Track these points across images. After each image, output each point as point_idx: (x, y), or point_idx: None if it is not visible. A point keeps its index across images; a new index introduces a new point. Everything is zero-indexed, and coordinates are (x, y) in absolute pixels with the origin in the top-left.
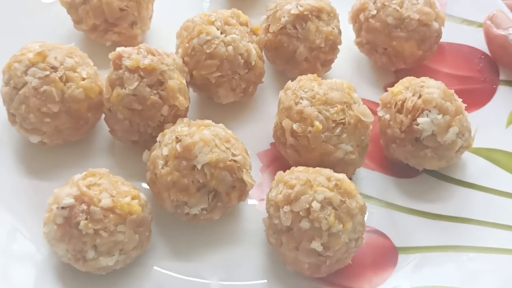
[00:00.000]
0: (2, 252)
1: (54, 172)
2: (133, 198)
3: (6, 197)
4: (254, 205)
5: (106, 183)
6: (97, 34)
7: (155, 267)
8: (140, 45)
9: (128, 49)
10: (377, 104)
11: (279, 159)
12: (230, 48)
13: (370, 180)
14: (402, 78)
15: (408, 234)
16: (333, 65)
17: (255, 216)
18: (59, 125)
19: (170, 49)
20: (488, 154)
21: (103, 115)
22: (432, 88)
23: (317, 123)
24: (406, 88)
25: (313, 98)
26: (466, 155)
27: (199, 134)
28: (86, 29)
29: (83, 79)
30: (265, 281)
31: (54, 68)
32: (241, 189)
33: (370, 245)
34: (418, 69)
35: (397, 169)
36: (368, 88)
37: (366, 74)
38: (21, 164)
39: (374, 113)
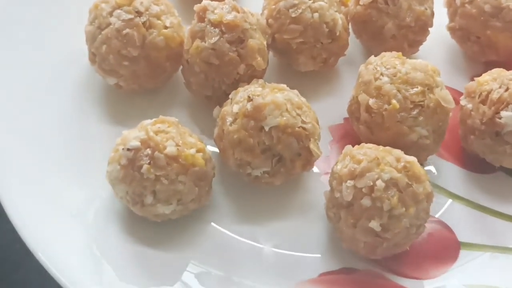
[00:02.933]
0: (68, 185)
1: (126, 117)
2: (198, 151)
3: (77, 138)
4: (319, 177)
5: (174, 132)
6: None
7: (211, 223)
8: (226, 0)
9: (214, 3)
10: (461, 93)
11: (350, 135)
12: (316, 15)
13: (442, 170)
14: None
15: (474, 230)
16: (420, 47)
17: (318, 188)
18: (137, 70)
19: (256, 7)
20: None
21: (181, 67)
22: None
23: (394, 101)
24: (494, 79)
25: (394, 76)
26: None
27: (271, 96)
28: None
29: (166, 27)
30: (319, 255)
31: (139, 13)
32: (307, 158)
33: (432, 235)
34: (510, 63)
35: (472, 163)
36: (454, 76)
37: (454, 62)
38: (96, 107)
39: (457, 102)
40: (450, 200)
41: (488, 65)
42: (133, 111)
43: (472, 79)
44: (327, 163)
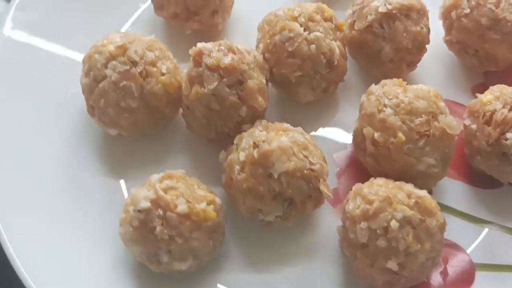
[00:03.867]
0: (79, 241)
1: (130, 165)
2: (208, 203)
3: (82, 188)
4: (329, 209)
5: (183, 187)
6: (177, 22)
7: (226, 271)
8: (221, 41)
9: (209, 45)
10: (461, 106)
11: (356, 163)
12: (312, 46)
13: (450, 189)
14: (491, 79)
15: (488, 250)
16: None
17: (329, 221)
18: (137, 119)
19: (250, 38)
20: None
21: (181, 109)
22: None
23: (400, 134)
24: (497, 98)
25: (397, 107)
26: None
27: (276, 141)
28: (167, 16)
29: (163, 74)
30: None
31: (134, 63)
32: (317, 198)
33: (446, 259)
34: (510, 72)
35: (480, 179)
36: (454, 89)
37: (452, 73)
38: (98, 156)
39: (459, 116)
40: (461, 220)
41: (488, 75)
42: (134, 157)
43: (473, 91)
44: (336, 194)
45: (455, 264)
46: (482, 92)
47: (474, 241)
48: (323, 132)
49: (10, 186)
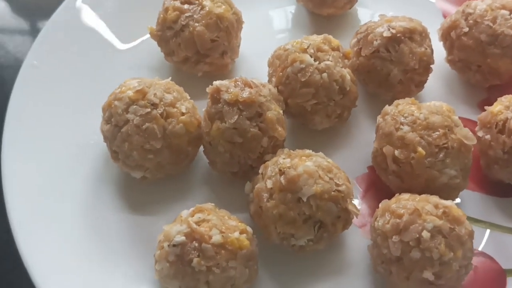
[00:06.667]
0: (109, 282)
1: (155, 206)
2: (241, 233)
3: (111, 233)
4: (356, 231)
5: (215, 219)
6: (188, 66)
7: None
8: (237, 78)
9: (225, 82)
10: (471, 122)
11: (377, 183)
12: (324, 75)
13: (471, 201)
14: (495, 93)
15: None
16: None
17: (357, 243)
18: (162, 160)
19: (258, 74)
20: None
21: (202, 148)
22: None
23: (420, 149)
24: (507, 108)
25: (414, 123)
26: None
27: (302, 166)
28: (178, 61)
29: (183, 114)
30: None
31: (154, 105)
32: (346, 219)
33: (477, 269)
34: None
35: (498, 188)
36: (461, 105)
37: (457, 91)
38: (123, 200)
39: (472, 131)
40: (485, 230)
41: (491, 89)
42: (161, 198)
43: (480, 106)
44: (361, 216)
45: (486, 272)
46: (488, 106)
47: (500, 248)
48: (341, 157)
49: (38, 231)
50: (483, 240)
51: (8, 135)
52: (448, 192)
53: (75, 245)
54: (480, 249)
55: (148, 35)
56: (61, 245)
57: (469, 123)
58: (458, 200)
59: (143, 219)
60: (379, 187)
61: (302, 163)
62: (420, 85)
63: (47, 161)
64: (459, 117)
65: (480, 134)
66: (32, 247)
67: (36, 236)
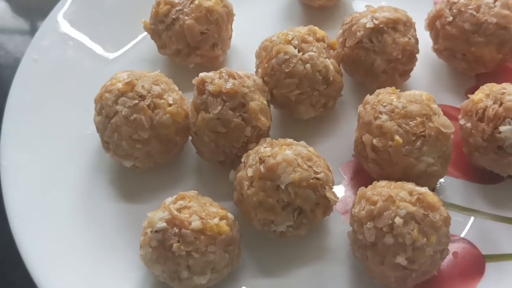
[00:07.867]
0: (101, 269)
1: (147, 194)
2: (221, 219)
3: (103, 219)
4: (339, 217)
5: (196, 206)
6: (180, 58)
7: (244, 283)
8: (222, 69)
9: (210, 74)
10: (459, 110)
11: (362, 171)
12: (308, 65)
13: (453, 188)
14: (483, 81)
15: (495, 241)
16: (411, 73)
17: (340, 228)
18: (150, 150)
19: (250, 66)
20: None
21: (190, 137)
22: None
23: (397, 137)
24: (487, 96)
25: (392, 112)
26: None
27: (281, 155)
28: (170, 53)
29: (170, 105)
30: None
31: (142, 97)
32: (325, 205)
33: (456, 254)
34: (499, 72)
35: (481, 175)
36: (449, 94)
37: (445, 80)
38: (115, 188)
39: (456, 119)
40: (467, 216)
41: (479, 77)
42: (151, 186)
43: (467, 95)
44: (345, 203)
45: (465, 258)
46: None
47: (480, 234)
48: (327, 145)
49: (35, 220)
50: (467, 227)
51: (7, 125)
52: (427, 179)
53: (68, 232)
54: (462, 235)
55: None
56: (55, 232)
57: (455, 111)
58: (441, 186)
59: (136, 207)
60: (364, 175)
61: (281, 152)
62: (405, 74)
63: (45, 150)
64: (447, 105)
65: (462, 122)
66: (27, 234)
67: (31, 224)
